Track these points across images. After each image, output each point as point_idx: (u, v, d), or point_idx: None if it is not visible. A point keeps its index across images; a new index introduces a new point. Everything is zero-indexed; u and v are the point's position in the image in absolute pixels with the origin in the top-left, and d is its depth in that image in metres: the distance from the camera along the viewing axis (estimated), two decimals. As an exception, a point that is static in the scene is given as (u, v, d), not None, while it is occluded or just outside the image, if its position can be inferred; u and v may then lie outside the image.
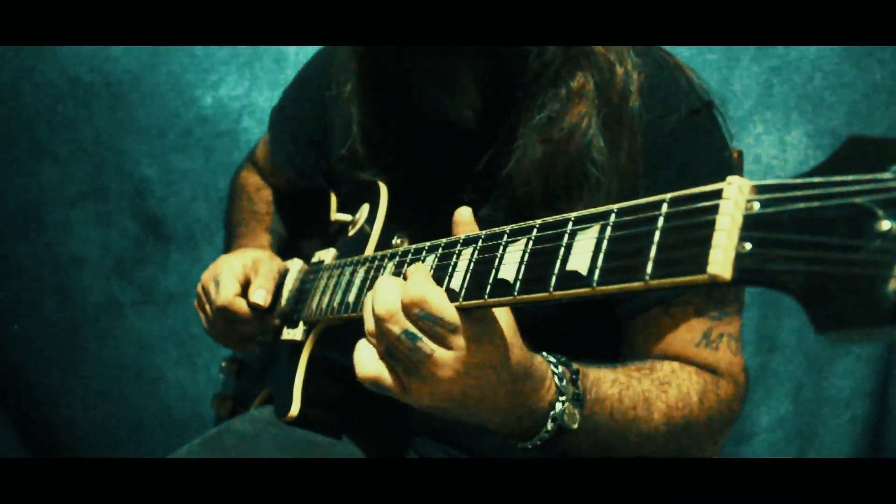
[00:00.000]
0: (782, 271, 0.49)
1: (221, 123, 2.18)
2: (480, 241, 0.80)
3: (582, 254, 0.66)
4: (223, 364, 1.62)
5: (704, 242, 0.54)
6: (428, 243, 0.90)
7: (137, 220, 2.27)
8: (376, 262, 1.01)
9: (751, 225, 0.53)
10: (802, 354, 2.03)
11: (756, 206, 0.53)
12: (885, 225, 0.45)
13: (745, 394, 1.09)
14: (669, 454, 1.02)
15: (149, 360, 2.34)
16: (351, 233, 1.27)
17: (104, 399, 2.36)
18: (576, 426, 0.87)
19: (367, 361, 0.82)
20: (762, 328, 2.01)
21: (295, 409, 1.18)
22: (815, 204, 0.49)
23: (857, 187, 0.47)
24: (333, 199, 1.41)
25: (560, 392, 0.87)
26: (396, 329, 0.77)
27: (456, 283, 0.78)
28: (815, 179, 0.50)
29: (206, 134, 2.20)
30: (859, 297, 0.45)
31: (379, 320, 0.78)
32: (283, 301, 1.28)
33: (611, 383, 0.95)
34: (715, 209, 0.54)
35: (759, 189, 0.54)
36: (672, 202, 0.59)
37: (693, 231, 0.56)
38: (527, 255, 0.72)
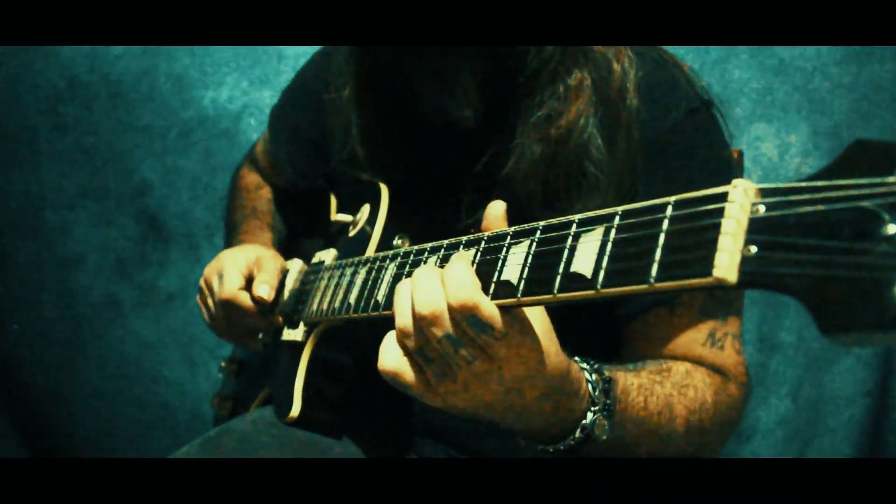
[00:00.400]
0: (788, 274, 0.49)
1: (221, 123, 2.18)
2: (483, 242, 0.79)
3: (586, 256, 0.65)
4: (223, 364, 1.61)
5: (710, 245, 0.54)
6: (430, 244, 0.89)
7: (137, 220, 2.26)
8: (377, 263, 1.01)
9: (756, 228, 0.52)
10: (802, 354, 2.03)
11: (762, 209, 0.53)
12: (892, 229, 0.45)
13: (749, 393, 1.10)
14: (683, 455, 1.01)
15: (149, 360, 2.33)
16: (351, 233, 1.26)
17: (104, 399, 2.36)
18: (605, 437, 0.86)
19: (392, 355, 0.77)
20: (762, 328, 2.01)
21: (295, 411, 1.17)
22: (821, 207, 0.49)
23: (863, 191, 0.47)
24: (333, 200, 1.41)
25: (593, 402, 0.85)
26: (439, 332, 0.71)
27: None
28: (821, 183, 0.50)
29: (205, 134, 2.19)
30: (865, 300, 0.45)
31: (420, 319, 0.72)
32: (284, 301, 1.28)
33: (637, 390, 0.93)
34: (720, 212, 0.54)
35: (765, 192, 0.53)
36: (677, 205, 0.59)
37: (698, 234, 0.55)
38: (530, 257, 0.72)
